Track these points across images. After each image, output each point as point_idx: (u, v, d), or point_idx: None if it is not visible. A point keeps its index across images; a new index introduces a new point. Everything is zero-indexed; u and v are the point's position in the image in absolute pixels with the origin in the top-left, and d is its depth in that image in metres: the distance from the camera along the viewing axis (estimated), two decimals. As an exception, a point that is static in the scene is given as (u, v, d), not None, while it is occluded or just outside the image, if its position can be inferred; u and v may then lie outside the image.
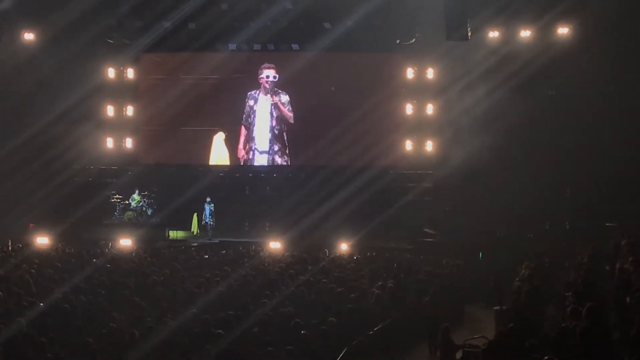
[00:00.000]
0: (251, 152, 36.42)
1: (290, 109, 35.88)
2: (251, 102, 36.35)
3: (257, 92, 36.28)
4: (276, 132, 36.11)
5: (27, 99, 34.59)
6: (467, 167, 31.77)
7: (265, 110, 36.31)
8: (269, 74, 35.95)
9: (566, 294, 16.86)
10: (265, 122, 36.27)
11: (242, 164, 36.75)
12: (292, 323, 15.84)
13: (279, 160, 36.28)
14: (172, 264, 23.70)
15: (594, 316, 13.37)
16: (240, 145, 36.52)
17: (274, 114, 36.08)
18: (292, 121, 35.92)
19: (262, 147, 36.36)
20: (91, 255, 25.30)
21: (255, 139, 36.37)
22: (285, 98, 36.02)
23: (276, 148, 36.18)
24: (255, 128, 36.33)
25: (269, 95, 35.99)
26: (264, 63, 36.09)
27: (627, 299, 15.08)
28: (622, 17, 29.71)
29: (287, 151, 36.21)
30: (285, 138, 36.16)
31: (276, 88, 36.00)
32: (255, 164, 36.62)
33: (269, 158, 36.41)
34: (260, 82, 36.15)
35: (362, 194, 32.23)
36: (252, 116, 36.30)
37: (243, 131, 36.47)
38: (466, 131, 32.24)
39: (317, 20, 34.61)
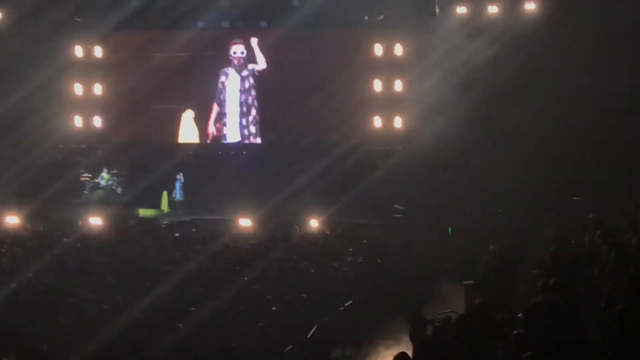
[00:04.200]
0: (224, 128, 36.34)
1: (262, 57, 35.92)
2: (223, 78, 36.20)
3: (229, 68, 36.18)
4: (247, 107, 36.01)
5: (-7, 78, 34.31)
6: (436, 143, 31.84)
7: (235, 85, 36.22)
8: (236, 49, 35.88)
9: (534, 269, 17.06)
10: (235, 98, 36.19)
11: (210, 140, 36.61)
12: (263, 300, 15.94)
13: (251, 135, 36.20)
14: (142, 243, 23.69)
15: (561, 290, 13.54)
16: (210, 122, 36.34)
17: (244, 89, 35.99)
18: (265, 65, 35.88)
19: (233, 122, 36.24)
20: (61, 234, 25.21)
21: (227, 114, 36.30)
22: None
23: (247, 123, 36.09)
24: (226, 104, 36.27)
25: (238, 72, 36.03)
26: (232, 39, 36.01)
27: (595, 273, 15.26)
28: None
29: (258, 126, 36.12)
30: (256, 113, 36.04)
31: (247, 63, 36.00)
32: (228, 140, 36.48)
33: (240, 133, 36.27)
34: (230, 58, 36.09)
35: (332, 170, 32.16)
36: (224, 92, 36.22)
37: (215, 108, 36.30)
38: (434, 107, 32.24)
39: (285, -3, 34.55)
